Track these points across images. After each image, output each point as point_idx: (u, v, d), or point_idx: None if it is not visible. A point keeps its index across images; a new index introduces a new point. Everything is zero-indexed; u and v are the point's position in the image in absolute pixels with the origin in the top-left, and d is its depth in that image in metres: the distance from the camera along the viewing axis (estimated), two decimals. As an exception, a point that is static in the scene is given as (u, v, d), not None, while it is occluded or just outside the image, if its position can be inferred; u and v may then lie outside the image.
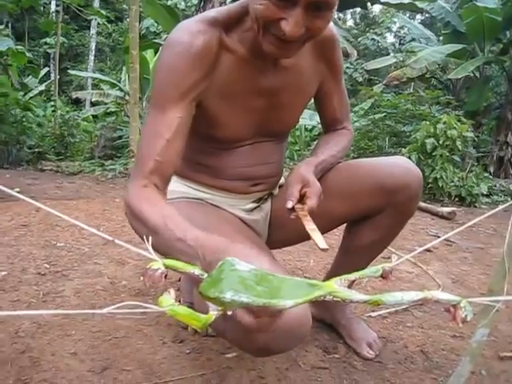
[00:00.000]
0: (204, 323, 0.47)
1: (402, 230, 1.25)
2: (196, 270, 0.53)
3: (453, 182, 5.24)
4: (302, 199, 0.99)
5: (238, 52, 0.98)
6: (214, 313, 0.48)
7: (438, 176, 5.07)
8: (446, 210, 4.16)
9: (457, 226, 3.77)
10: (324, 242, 0.87)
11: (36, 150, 6.57)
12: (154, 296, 1.57)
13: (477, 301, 0.49)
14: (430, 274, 2.18)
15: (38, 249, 1.90)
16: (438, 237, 3.17)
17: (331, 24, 1.09)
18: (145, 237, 0.55)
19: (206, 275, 0.51)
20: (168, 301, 0.48)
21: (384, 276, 0.58)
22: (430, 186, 5.17)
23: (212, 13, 0.97)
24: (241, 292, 0.47)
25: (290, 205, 0.97)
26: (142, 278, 0.51)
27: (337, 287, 0.50)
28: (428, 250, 2.73)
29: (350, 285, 1.39)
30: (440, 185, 5.09)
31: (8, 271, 1.65)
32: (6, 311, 1.24)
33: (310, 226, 0.92)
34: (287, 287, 0.50)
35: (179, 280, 1.62)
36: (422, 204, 4.47)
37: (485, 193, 5.59)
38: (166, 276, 0.53)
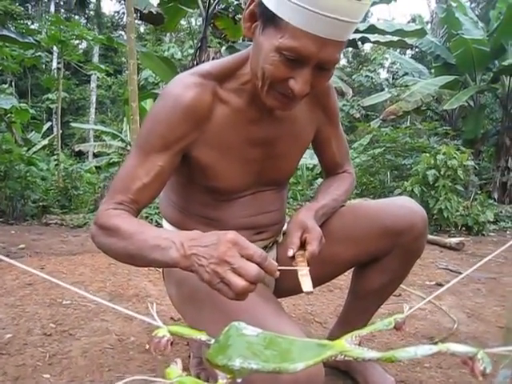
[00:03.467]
0: (213, 393, 0.46)
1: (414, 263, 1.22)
2: (203, 336, 0.51)
3: (458, 211, 5.22)
4: (303, 246, 0.98)
5: (233, 103, 1.00)
6: (223, 381, 0.46)
7: (443, 207, 5.06)
8: (453, 240, 4.12)
9: (466, 256, 3.72)
10: (310, 286, 0.89)
11: (40, 203, 6.59)
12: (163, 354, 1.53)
13: (494, 351, 0.47)
14: (444, 310, 2.13)
15: (43, 308, 1.87)
16: (449, 269, 3.13)
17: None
18: (149, 304, 0.54)
19: (212, 341, 0.50)
20: (175, 372, 0.46)
21: (397, 328, 0.57)
22: (435, 217, 5.15)
23: (206, 66, 1.00)
24: (249, 358, 0.45)
25: (290, 253, 0.97)
26: (147, 347, 0.50)
27: (348, 346, 0.48)
28: (439, 284, 2.68)
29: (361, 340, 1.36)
30: (445, 215, 5.06)
31: (13, 333, 1.62)
32: None
33: (303, 271, 0.92)
34: (297, 349, 0.48)
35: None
36: (429, 236, 4.43)
37: (491, 220, 5.56)
38: (171, 343, 0.52)
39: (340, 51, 0.84)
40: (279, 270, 0.70)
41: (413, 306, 0.63)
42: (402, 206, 1.14)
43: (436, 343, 1.33)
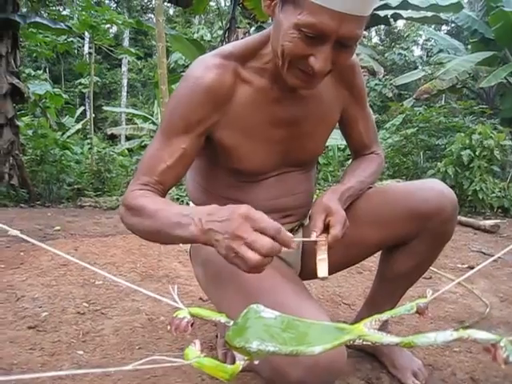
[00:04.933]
0: (231, 374, 0.46)
1: (444, 248, 1.20)
2: (222, 318, 0.52)
3: (494, 193, 5.06)
4: (327, 229, 0.98)
5: (256, 83, 0.99)
6: (240, 362, 0.47)
7: (478, 188, 4.91)
8: (488, 223, 4.01)
9: (501, 239, 3.62)
10: (326, 271, 0.90)
11: (75, 186, 6.78)
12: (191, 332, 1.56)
13: (517, 339, 0.46)
14: (476, 294, 2.09)
15: (77, 288, 1.93)
16: (482, 252, 3.05)
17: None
18: (170, 287, 0.55)
19: (231, 323, 0.51)
20: (194, 353, 0.47)
21: (420, 312, 0.56)
22: (470, 198, 5.02)
23: (228, 47, 1.00)
24: (267, 341, 0.46)
25: (313, 236, 0.96)
26: (168, 328, 0.51)
27: (366, 330, 0.48)
28: (471, 267, 2.62)
29: (386, 320, 1.36)
30: (480, 197, 4.92)
31: (49, 311, 1.69)
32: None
33: (320, 256, 0.93)
34: (315, 332, 0.48)
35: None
36: (463, 218, 4.33)
37: (529, 202, 5.37)
38: (192, 324, 0.53)
39: (361, 27, 0.81)
40: (295, 241, 0.69)
41: (438, 290, 0.62)
42: (431, 189, 1.11)
43: (466, 327, 1.31)
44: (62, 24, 6.78)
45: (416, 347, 0.46)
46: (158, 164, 0.95)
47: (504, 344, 0.45)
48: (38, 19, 6.33)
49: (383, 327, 1.35)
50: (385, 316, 0.52)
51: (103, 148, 8.28)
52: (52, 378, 1.23)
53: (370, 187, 1.20)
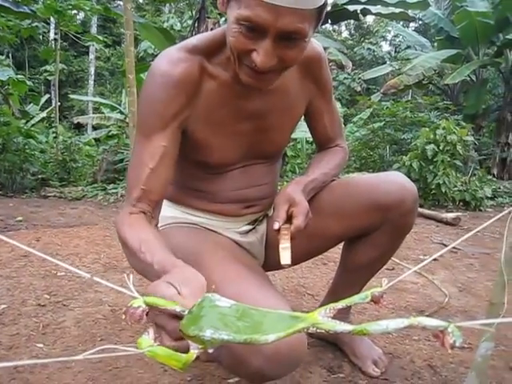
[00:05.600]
0: (184, 363, 0.46)
1: (406, 240, 1.24)
2: (177, 307, 0.52)
3: (456, 186, 5.21)
4: (289, 219, 0.98)
5: (221, 77, 0.98)
6: (194, 351, 0.47)
7: (441, 182, 5.05)
8: (450, 215, 4.13)
9: (462, 231, 3.74)
10: (288, 258, 0.91)
11: (39, 176, 6.59)
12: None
13: (465, 325, 0.48)
14: (435, 284, 2.15)
15: (38, 279, 1.89)
16: (443, 244, 3.14)
17: (316, 42, 1.10)
18: (125, 275, 0.54)
19: (186, 311, 0.50)
20: (147, 342, 0.47)
21: (375, 301, 0.57)
22: (433, 192, 5.15)
23: (193, 40, 0.98)
24: (221, 329, 0.46)
25: (276, 226, 0.97)
26: (123, 317, 0.50)
27: (320, 318, 0.49)
28: (433, 259, 2.70)
29: (348, 309, 1.37)
30: (443, 190, 5.06)
31: (8, 304, 1.64)
32: None
33: (284, 245, 0.94)
34: (269, 321, 0.48)
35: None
36: (426, 211, 4.45)
37: (489, 196, 5.55)
38: (147, 313, 0.52)
39: (303, 21, 0.79)
40: None
41: (391, 280, 0.63)
42: (393, 182, 1.14)
43: (427, 316, 1.35)
44: (25, 8, 6.53)
45: (369, 334, 0.47)
46: (141, 171, 0.92)
47: (451, 330, 0.46)
48: (-1, 1, 6.09)
49: (345, 317, 1.38)
50: (339, 304, 0.53)
51: (69, 137, 8.06)
52: (9, 372, 1.20)
53: (334, 179, 1.21)
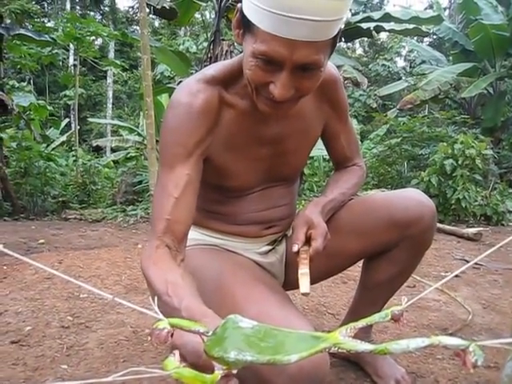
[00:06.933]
0: (210, 384, 0.47)
1: (427, 256, 1.23)
2: (201, 328, 0.53)
3: (476, 201, 5.15)
4: (308, 241, 1.00)
5: (239, 106, 1.01)
6: (219, 372, 0.48)
7: (461, 197, 4.99)
8: (471, 231, 4.07)
9: (483, 247, 3.68)
10: (308, 287, 0.91)
11: (60, 199, 6.72)
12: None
13: (487, 344, 0.48)
14: (458, 301, 2.12)
15: (61, 301, 1.92)
16: (465, 260, 3.09)
17: (330, 65, 1.12)
18: (150, 296, 0.55)
19: (210, 333, 0.51)
20: (173, 363, 0.48)
21: (395, 319, 0.57)
22: (453, 207, 5.08)
23: (210, 71, 1.01)
24: (244, 350, 0.46)
25: (295, 248, 0.98)
26: (149, 338, 0.52)
27: (342, 338, 0.49)
28: (455, 276, 2.66)
29: (369, 328, 1.35)
30: (463, 205, 5.00)
31: (33, 326, 1.67)
32: None
33: (302, 270, 0.94)
34: (291, 341, 0.49)
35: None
36: (447, 227, 4.39)
37: (511, 209, 5.46)
38: (172, 335, 0.53)
39: (318, 52, 0.81)
40: None
41: (412, 298, 0.64)
42: (411, 198, 1.14)
43: (450, 335, 1.32)
44: (46, 36, 6.77)
45: (390, 354, 0.48)
46: (166, 201, 0.92)
47: (473, 349, 0.46)
48: (22, 31, 6.31)
49: (367, 336, 1.37)
50: (360, 324, 0.53)
51: (88, 160, 8.24)
52: (35, 394, 1.22)
53: (351, 198, 1.22)
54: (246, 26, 0.84)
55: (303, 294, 0.93)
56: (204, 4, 7.33)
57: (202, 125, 0.96)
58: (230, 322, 0.51)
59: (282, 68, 0.82)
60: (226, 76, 1.00)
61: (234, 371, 0.48)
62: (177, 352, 0.50)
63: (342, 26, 0.86)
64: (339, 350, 0.49)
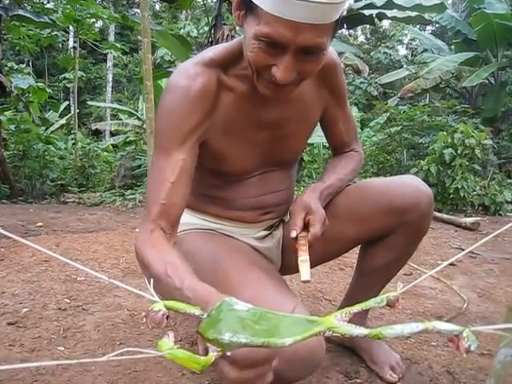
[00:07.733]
0: (203, 365, 0.47)
1: (424, 245, 1.24)
2: (196, 311, 0.53)
3: (475, 191, 5.15)
4: (306, 227, 0.99)
5: (238, 89, 1.00)
6: (213, 354, 0.48)
7: (459, 186, 4.99)
8: (469, 220, 4.08)
9: (481, 236, 3.69)
10: (308, 274, 0.91)
11: (58, 182, 6.71)
12: (173, 326, 1.57)
13: (480, 330, 0.48)
14: (454, 289, 2.13)
15: (58, 284, 1.93)
16: (462, 249, 3.10)
17: (331, 49, 1.11)
18: (146, 279, 0.55)
19: (205, 315, 0.52)
20: (167, 344, 0.48)
21: (390, 305, 0.57)
22: (451, 196, 5.09)
23: (209, 53, 0.99)
24: (239, 332, 0.47)
25: (293, 234, 0.98)
26: (144, 320, 0.52)
27: (336, 322, 0.49)
28: (451, 264, 2.67)
29: (365, 314, 1.35)
30: (462, 195, 5.00)
31: (30, 307, 1.68)
32: None
33: (302, 257, 0.94)
34: (286, 325, 0.49)
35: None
36: (445, 216, 4.40)
37: (509, 200, 5.46)
38: (167, 317, 0.53)
39: (322, 35, 0.80)
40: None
41: (411, 284, 0.64)
42: (408, 185, 1.14)
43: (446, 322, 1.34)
44: (45, 17, 6.68)
45: (384, 338, 0.48)
46: (162, 186, 0.91)
47: (466, 334, 0.47)
48: (20, 12, 6.23)
49: (362, 322, 1.38)
50: (355, 308, 0.53)
51: (87, 143, 8.20)
52: (31, 374, 1.23)
53: (349, 184, 1.22)
54: (248, 7, 0.83)
55: (304, 282, 0.93)
56: (205, -13, 7.23)
57: (200, 109, 0.95)
58: (225, 304, 0.51)
59: (285, 51, 0.81)
60: (225, 58, 0.98)
61: (228, 353, 0.48)
62: (171, 333, 0.50)
63: (345, 12, 0.85)
64: (334, 335, 0.50)
